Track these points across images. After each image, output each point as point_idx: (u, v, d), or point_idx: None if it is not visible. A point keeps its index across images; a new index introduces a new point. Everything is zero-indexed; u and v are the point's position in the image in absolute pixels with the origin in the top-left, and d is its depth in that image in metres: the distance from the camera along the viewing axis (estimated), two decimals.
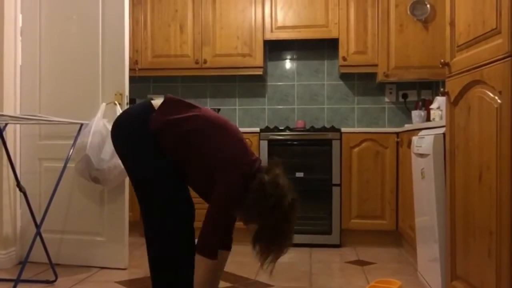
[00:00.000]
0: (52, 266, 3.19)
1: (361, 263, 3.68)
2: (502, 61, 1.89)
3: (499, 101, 1.92)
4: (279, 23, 4.69)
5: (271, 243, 2.21)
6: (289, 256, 3.88)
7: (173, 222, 2.31)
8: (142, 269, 3.45)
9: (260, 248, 2.21)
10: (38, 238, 3.07)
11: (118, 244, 3.47)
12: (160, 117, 2.29)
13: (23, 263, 2.93)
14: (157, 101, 2.38)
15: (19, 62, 3.63)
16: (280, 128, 4.44)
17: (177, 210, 2.32)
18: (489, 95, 2.02)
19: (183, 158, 2.29)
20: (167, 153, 2.30)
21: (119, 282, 3.16)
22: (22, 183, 3.12)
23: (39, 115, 3.39)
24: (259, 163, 2.33)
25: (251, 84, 5.08)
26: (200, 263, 2.24)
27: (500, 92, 1.91)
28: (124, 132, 2.41)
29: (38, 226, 3.09)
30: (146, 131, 2.29)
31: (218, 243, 2.26)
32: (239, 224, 2.36)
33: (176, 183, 2.35)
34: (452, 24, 2.44)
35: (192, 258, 2.28)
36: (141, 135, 2.31)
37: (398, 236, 4.20)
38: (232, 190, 2.21)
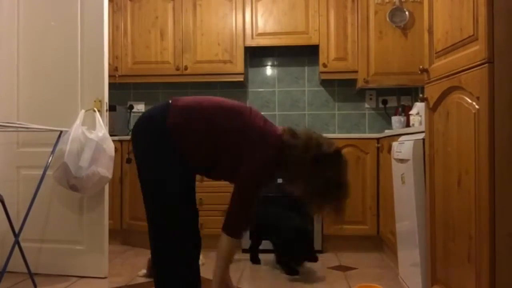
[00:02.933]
0: (31, 275, 3.14)
1: (342, 268, 3.69)
2: (480, 67, 1.91)
3: (477, 106, 1.95)
4: (260, 30, 4.70)
5: (323, 199, 2.16)
6: (271, 262, 3.88)
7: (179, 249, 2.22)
8: (122, 277, 3.42)
9: (316, 207, 2.22)
10: (16, 247, 3.02)
11: (97, 253, 3.43)
12: (172, 123, 2.20)
13: (1, 273, 2.88)
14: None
15: None
16: None
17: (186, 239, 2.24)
18: (467, 100, 2.04)
19: (211, 155, 2.20)
20: (191, 155, 2.20)
21: None
22: (0, 191, 3.07)
23: (17, 122, 3.35)
24: (285, 131, 2.27)
25: (232, 91, 5.08)
26: (225, 241, 2.21)
27: (478, 98, 1.93)
28: (144, 141, 2.27)
29: (16, 235, 3.04)
30: (166, 140, 2.18)
31: (246, 223, 2.19)
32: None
33: (193, 209, 2.29)
34: (430, 31, 2.47)
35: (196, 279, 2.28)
36: (161, 146, 2.20)
37: (379, 241, 4.22)
38: (261, 164, 2.13)
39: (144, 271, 3.44)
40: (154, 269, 2.29)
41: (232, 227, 2.20)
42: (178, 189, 2.23)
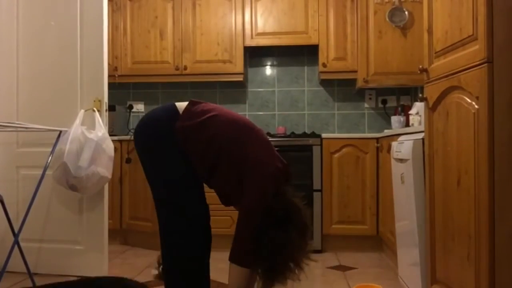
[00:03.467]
0: (31, 275, 3.13)
1: (342, 268, 3.69)
2: (479, 67, 1.91)
3: (476, 106, 1.95)
4: (259, 30, 4.70)
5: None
6: None
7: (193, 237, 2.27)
8: None
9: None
10: (16, 247, 3.02)
11: (97, 253, 3.42)
12: (181, 126, 2.24)
13: (0, 272, 2.88)
14: (181, 105, 2.32)
15: None
16: None
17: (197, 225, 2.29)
18: (466, 100, 2.04)
19: (210, 163, 2.24)
20: (193, 160, 2.25)
21: None
22: None
23: (17, 122, 3.34)
24: (286, 167, 2.30)
25: (231, 91, 5.08)
26: (234, 271, 2.21)
27: (477, 98, 1.93)
28: (149, 140, 2.31)
29: (16, 235, 3.04)
30: (172, 140, 2.24)
31: (252, 251, 2.18)
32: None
33: (201, 194, 2.32)
34: (430, 30, 2.47)
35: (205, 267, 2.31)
36: (167, 145, 2.25)
37: (379, 241, 4.22)
38: (264, 196, 2.17)
39: (155, 271, 3.39)
40: (164, 262, 2.33)
41: (240, 255, 2.20)
42: (187, 184, 2.28)
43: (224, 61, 4.72)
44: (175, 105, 2.33)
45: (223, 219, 4.10)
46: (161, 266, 3.35)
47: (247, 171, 2.20)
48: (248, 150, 2.23)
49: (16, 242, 3.03)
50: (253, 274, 2.23)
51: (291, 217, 2.19)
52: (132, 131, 4.76)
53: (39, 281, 3.19)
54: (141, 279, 3.37)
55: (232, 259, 2.21)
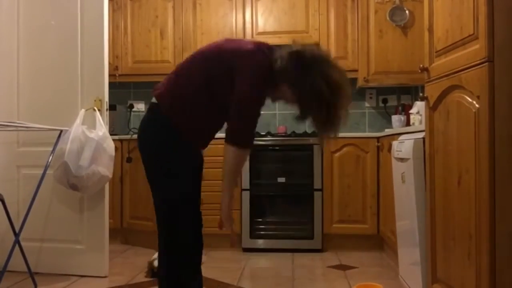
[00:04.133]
0: (31, 275, 3.14)
1: (343, 267, 3.69)
2: (480, 66, 1.91)
3: (477, 105, 1.95)
4: (260, 29, 4.70)
5: (317, 111, 2.01)
6: (271, 261, 3.88)
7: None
8: (122, 276, 3.42)
9: (315, 119, 2.04)
10: (16, 246, 3.02)
11: (98, 252, 3.43)
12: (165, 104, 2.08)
13: (1, 272, 2.89)
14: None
15: None
16: (262, 133, 4.43)
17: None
18: (467, 99, 2.04)
19: (207, 92, 2.05)
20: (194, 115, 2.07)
21: None
22: (0, 190, 3.07)
23: (18, 121, 3.35)
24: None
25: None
26: (231, 152, 2.03)
27: (478, 97, 1.93)
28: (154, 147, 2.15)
29: (16, 234, 3.04)
30: (171, 133, 2.08)
31: (252, 132, 2.03)
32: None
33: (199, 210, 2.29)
34: (431, 29, 2.47)
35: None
36: (170, 143, 2.09)
37: (380, 240, 4.22)
38: (257, 67, 2.02)
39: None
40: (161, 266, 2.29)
41: (235, 135, 2.02)
42: (189, 189, 2.25)
43: None
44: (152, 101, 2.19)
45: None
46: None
47: (234, 65, 2.03)
48: (222, 50, 2.09)
49: (17, 242, 3.04)
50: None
51: (309, 59, 2.06)
52: (133, 130, 4.76)
53: (39, 281, 3.20)
54: (141, 278, 3.38)
55: (229, 139, 2.02)
